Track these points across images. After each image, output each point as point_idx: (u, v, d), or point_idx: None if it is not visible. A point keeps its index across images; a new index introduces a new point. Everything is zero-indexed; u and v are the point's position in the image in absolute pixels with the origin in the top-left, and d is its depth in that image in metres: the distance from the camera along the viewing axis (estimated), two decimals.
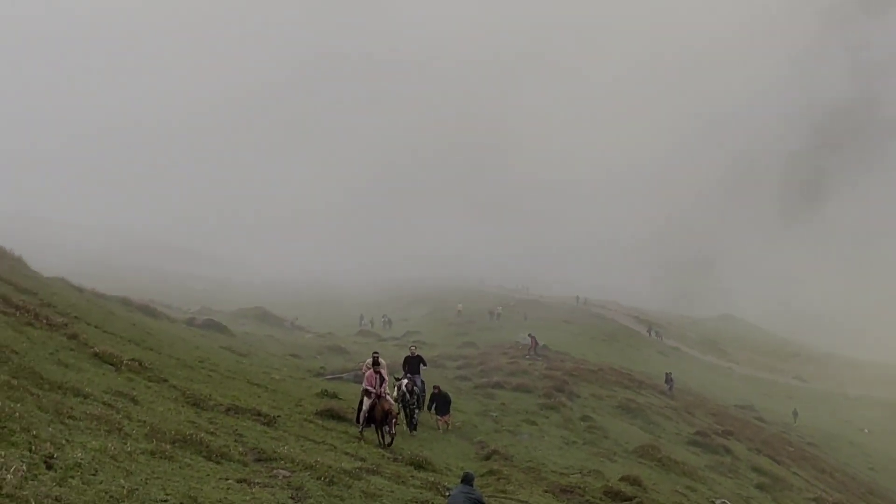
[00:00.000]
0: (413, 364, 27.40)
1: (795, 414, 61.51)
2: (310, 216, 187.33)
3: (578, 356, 57.39)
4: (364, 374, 23.00)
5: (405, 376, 26.51)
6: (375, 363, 21.57)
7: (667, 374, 52.16)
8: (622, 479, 22.06)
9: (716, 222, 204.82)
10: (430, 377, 34.49)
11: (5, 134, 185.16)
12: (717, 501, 23.54)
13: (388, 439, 20.84)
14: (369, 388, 21.10)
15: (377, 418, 20.56)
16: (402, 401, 25.05)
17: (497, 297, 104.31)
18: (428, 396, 27.34)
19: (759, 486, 30.15)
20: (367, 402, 21.17)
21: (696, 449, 34.50)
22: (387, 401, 20.70)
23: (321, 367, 39.17)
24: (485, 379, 41.26)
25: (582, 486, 19.69)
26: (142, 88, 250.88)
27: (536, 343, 54.50)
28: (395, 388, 25.26)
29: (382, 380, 21.15)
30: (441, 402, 27.03)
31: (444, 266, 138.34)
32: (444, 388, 28.43)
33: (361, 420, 21.41)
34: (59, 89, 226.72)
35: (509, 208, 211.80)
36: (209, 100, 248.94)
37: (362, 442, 20.49)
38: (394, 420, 20.78)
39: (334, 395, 27.61)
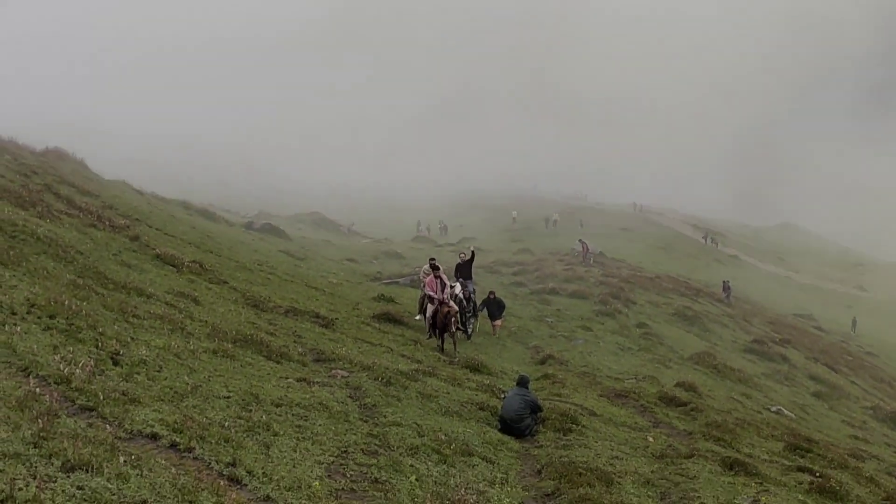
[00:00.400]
0: (465, 269, 26.83)
1: (855, 323, 60.91)
2: (370, 126, 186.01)
3: (635, 263, 57.12)
4: (424, 280, 23.07)
5: (458, 282, 26.44)
6: (434, 269, 21.48)
7: (724, 282, 51.78)
8: (677, 384, 22.10)
9: (787, 131, 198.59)
10: (485, 283, 34.62)
11: (77, 44, 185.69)
12: (773, 408, 23.51)
13: (448, 345, 20.87)
14: (431, 293, 21.03)
15: (439, 324, 20.42)
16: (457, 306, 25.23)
17: (553, 203, 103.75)
18: (481, 302, 27.05)
19: (816, 395, 30.05)
20: (430, 309, 21.19)
21: (753, 357, 34.38)
22: (448, 305, 20.45)
23: (377, 272, 39.52)
24: (540, 285, 41.32)
25: (636, 391, 19.76)
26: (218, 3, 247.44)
27: (587, 249, 54.24)
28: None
29: (444, 285, 21.05)
30: (495, 307, 26.71)
31: (503, 174, 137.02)
32: (498, 293, 28.45)
33: (428, 327, 21.56)
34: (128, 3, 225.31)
35: (574, 117, 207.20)
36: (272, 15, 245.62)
37: (419, 345, 20.71)
38: (456, 325, 20.77)
39: (391, 300, 27.90)
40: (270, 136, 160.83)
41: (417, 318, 24.08)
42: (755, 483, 11.76)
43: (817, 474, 12.89)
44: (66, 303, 11.79)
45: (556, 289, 39.89)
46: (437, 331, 20.94)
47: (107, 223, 22.56)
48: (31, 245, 15.54)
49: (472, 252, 27.14)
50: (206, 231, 35.18)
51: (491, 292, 27.38)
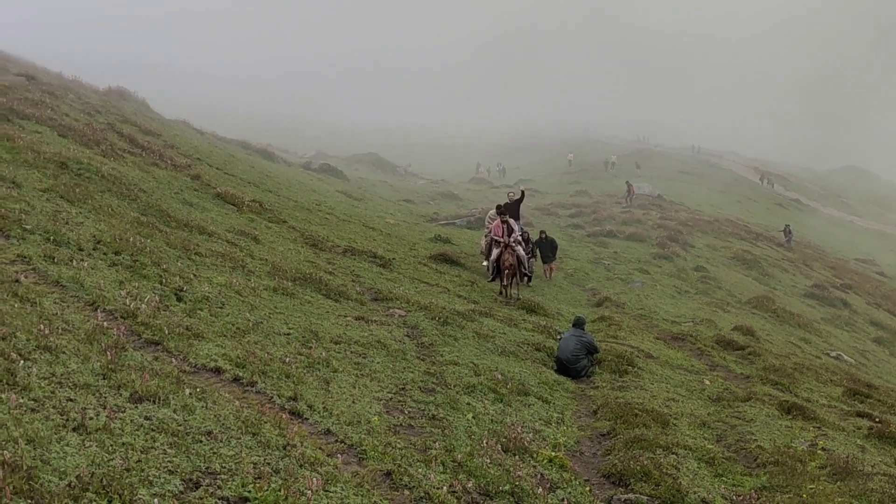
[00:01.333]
0: (513, 210, 25.37)
1: None
2: (430, 70, 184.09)
3: (693, 207, 56.46)
4: (489, 225, 23.33)
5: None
6: (501, 213, 21.22)
7: (786, 226, 51.02)
8: (735, 328, 21.95)
9: (861, 72, 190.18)
10: (541, 225, 34.51)
11: None
12: (833, 354, 23.27)
13: (513, 289, 20.76)
14: (497, 237, 20.83)
15: (503, 268, 20.31)
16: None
17: (611, 146, 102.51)
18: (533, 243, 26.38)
19: (877, 340, 29.63)
20: (495, 252, 21.10)
21: (813, 301, 33.95)
22: (513, 250, 20.28)
23: (434, 213, 39.60)
24: (597, 227, 41.09)
25: (693, 334, 19.68)
26: None
27: (632, 192, 53.68)
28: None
29: (511, 230, 20.73)
30: (547, 248, 26.33)
31: (560, 116, 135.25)
32: (552, 234, 28.26)
33: (492, 269, 21.48)
34: None
35: (633, 55, 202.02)
36: None
37: (475, 286, 20.81)
38: (521, 270, 20.84)
39: (447, 241, 27.99)
40: (329, 77, 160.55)
41: (484, 263, 23.75)
42: (813, 427, 11.70)
43: (877, 420, 12.77)
44: (131, 240, 12.04)
45: (614, 231, 39.64)
46: (501, 274, 20.84)
47: (168, 162, 22.88)
48: (95, 183, 15.83)
49: (522, 192, 25.99)
50: (265, 171, 35.48)
51: (542, 232, 26.97)
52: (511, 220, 20.86)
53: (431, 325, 13.80)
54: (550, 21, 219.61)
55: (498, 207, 21.68)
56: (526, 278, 22.85)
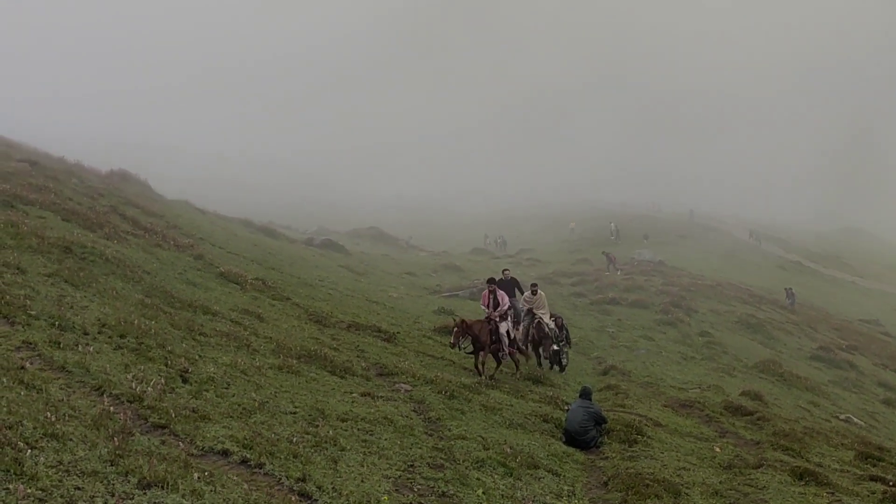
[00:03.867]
0: (507, 289, 24.03)
1: None
2: (436, 142, 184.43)
3: (696, 271, 56.50)
4: (523, 306, 23.02)
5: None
6: (490, 282, 19.96)
7: (787, 289, 51.01)
8: (742, 393, 21.80)
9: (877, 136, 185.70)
10: (546, 296, 34.50)
11: (137, 67, 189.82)
12: (842, 416, 23.07)
13: (491, 363, 19.07)
14: (483, 306, 19.61)
15: (482, 339, 18.30)
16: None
17: (613, 214, 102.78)
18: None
19: (886, 402, 29.37)
20: (521, 328, 21.36)
21: (819, 364, 33.74)
22: (492, 321, 18.68)
23: (437, 285, 39.62)
24: (600, 295, 41.04)
25: (701, 400, 19.54)
26: (270, 24, 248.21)
27: (612, 261, 53.79)
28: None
29: (497, 303, 19.21)
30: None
31: (567, 184, 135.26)
32: (557, 304, 28.13)
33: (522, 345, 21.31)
34: (190, 22, 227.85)
35: (648, 121, 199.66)
36: (331, 33, 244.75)
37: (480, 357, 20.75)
38: (500, 351, 18.82)
39: (451, 312, 27.95)
40: (329, 152, 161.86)
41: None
42: (826, 493, 11.57)
43: (891, 483, 12.62)
44: (136, 322, 12.07)
45: (617, 298, 39.61)
46: (529, 347, 21.01)
47: (171, 242, 23.03)
48: (99, 266, 15.91)
49: (513, 278, 25.48)
50: (267, 248, 35.63)
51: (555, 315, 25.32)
52: (501, 293, 19.48)
53: (438, 399, 13.74)
54: (564, 89, 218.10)
55: (489, 281, 20.27)
56: (558, 366, 22.06)
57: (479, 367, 18.26)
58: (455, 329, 17.60)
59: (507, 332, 18.95)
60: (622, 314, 36.07)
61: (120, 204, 27.46)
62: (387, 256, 54.45)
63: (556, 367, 22.27)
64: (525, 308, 22.81)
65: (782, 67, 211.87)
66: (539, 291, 22.78)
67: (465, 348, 18.13)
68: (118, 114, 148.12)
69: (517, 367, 19.61)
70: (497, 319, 18.77)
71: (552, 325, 22.22)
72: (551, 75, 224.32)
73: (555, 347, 22.14)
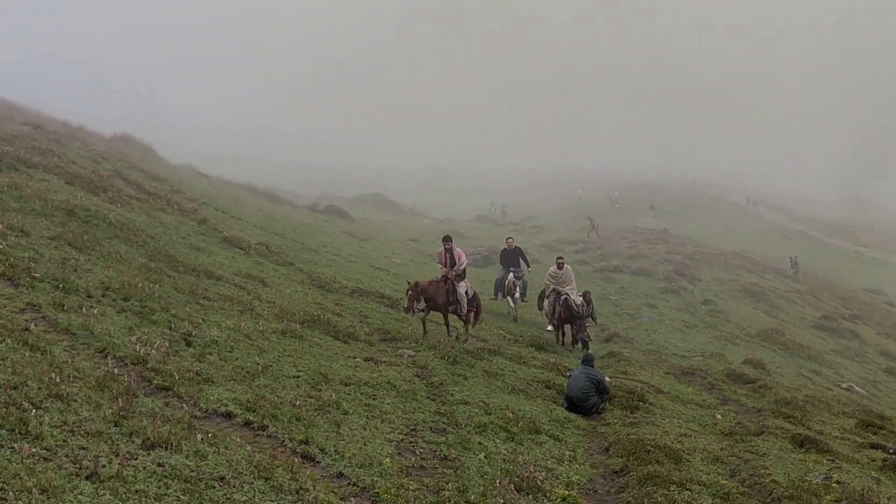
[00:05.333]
0: (512, 258, 24.83)
1: None
2: (453, 115, 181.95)
3: (700, 240, 56.45)
4: (547, 281, 22.13)
5: (506, 269, 24.77)
6: (446, 240, 18.44)
7: (791, 257, 51.03)
8: (745, 361, 21.85)
9: None
10: (548, 262, 34.48)
11: (143, 41, 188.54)
12: (844, 385, 23.12)
13: (458, 323, 18.40)
14: (440, 264, 18.53)
15: (440, 300, 17.43)
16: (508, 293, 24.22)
17: (618, 182, 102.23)
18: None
19: (888, 371, 29.41)
20: (547, 304, 21.14)
21: (822, 333, 33.77)
22: (451, 281, 17.61)
23: None
24: (604, 263, 41.07)
25: (703, 368, 19.60)
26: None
27: (594, 226, 54.31)
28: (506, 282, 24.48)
29: (454, 261, 18.05)
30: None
31: (590, 159, 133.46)
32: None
33: (549, 322, 21.42)
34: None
35: (674, 103, 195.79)
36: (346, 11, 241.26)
37: (484, 324, 20.76)
38: (459, 309, 17.81)
39: None
40: (339, 122, 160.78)
41: (549, 328, 22.17)
42: (827, 460, 11.61)
43: (891, 451, 12.66)
44: (140, 286, 12.10)
45: (620, 266, 39.62)
46: (557, 322, 20.50)
47: (175, 207, 23.01)
48: (103, 229, 15.92)
49: (517, 248, 25.30)
50: (271, 213, 35.61)
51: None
52: (458, 251, 18.27)
53: (441, 365, 13.77)
54: (586, 71, 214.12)
55: (445, 238, 18.65)
56: (581, 342, 20.81)
57: (447, 326, 17.77)
58: (409, 292, 16.70)
59: (466, 291, 17.99)
60: (626, 282, 36.06)
61: (123, 168, 27.43)
62: (390, 223, 54.43)
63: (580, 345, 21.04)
64: (550, 284, 21.70)
65: (809, 61, 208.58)
66: (565, 265, 21.96)
67: (420, 311, 17.28)
68: (127, 85, 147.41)
69: (471, 325, 18.54)
70: (454, 278, 17.79)
71: (580, 300, 21.12)
72: (577, 57, 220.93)
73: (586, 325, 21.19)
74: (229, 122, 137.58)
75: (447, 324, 17.74)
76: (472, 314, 18.43)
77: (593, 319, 22.62)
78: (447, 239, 18.44)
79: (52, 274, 11.12)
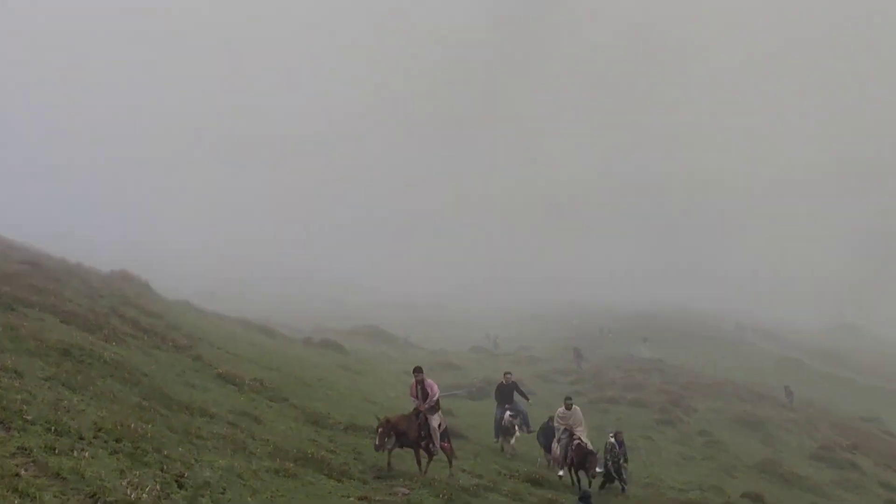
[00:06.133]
0: (507, 394, 24.34)
1: None
2: (447, 239, 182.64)
3: (695, 370, 56.34)
4: (558, 423, 21.07)
5: (501, 407, 24.11)
6: (417, 371, 18.05)
7: (785, 386, 50.82)
8: (743, 495, 21.64)
9: None
10: (542, 393, 34.39)
11: (143, 167, 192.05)
12: None
13: (424, 460, 17.33)
14: (412, 397, 18.14)
15: (410, 436, 16.93)
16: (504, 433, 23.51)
17: (611, 310, 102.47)
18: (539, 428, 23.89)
19: (888, 503, 29.04)
20: (556, 447, 20.24)
21: (820, 464, 33.40)
22: (425, 416, 17.23)
23: None
24: (598, 394, 40.91)
25: (702, 502, 19.38)
26: (262, 104, 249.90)
27: (580, 357, 54.58)
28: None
29: (426, 393, 17.67)
30: (551, 435, 22.35)
31: (588, 285, 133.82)
32: (555, 404, 27.75)
33: (559, 466, 20.32)
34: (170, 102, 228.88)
35: (665, 212, 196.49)
36: (329, 116, 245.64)
37: (478, 459, 20.59)
38: (431, 445, 17.20)
39: (450, 413, 27.79)
40: (331, 249, 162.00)
41: (560, 473, 20.95)
42: None
43: None
44: (132, 426, 12.07)
45: (615, 397, 39.47)
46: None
47: (170, 343, 23.09)
48: (97, 368, 15.95)
49: (514, 382, 24.91)
50: (266, 348, 35.62)
51: (550, 418, 23.02)
52: (430, 382, 17.85)
53: (436, 503, 13.64)
54: (583, 188, 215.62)
55: (416, 370, 18.18)
56: (620, 484, 20.26)
57: (419, 464, 16.99)
58: (379, 429, 16.17)
59: (440, 424, 17.53)
60: (621, 413, 35.87)
61: (120, 305, 27.60)
62: (385, 355, 54.32)
63: (619, 485, 20.40)
64: (560, 426, 20.88)
65: (806, 167, 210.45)
66: (574, 406, 21.15)
67: (391, 449, 16.57)
68: (123, 216, 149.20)
69: (450, 462, 17.99)
70: (426, 411, 17.30)
71: (590, 444, 19.97)
72: (571, 174, 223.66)
73: (613, 464, 20.47)
74: (227, 255, 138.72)
75: (419, 460, 17.12)
76: (448, 449, 17.90)
77: (625, 461, 21.20)
78: (418, 370, 17.98)
79: (44, 416, 11.12)
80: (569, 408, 20.85)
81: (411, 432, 16.72)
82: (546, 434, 22.78)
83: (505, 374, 25.27)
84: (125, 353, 18.97)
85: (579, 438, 20.04)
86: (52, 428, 10.78)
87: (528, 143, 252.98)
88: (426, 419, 17.16)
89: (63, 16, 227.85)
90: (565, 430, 20.61)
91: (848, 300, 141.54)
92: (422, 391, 17.57)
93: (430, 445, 17.19)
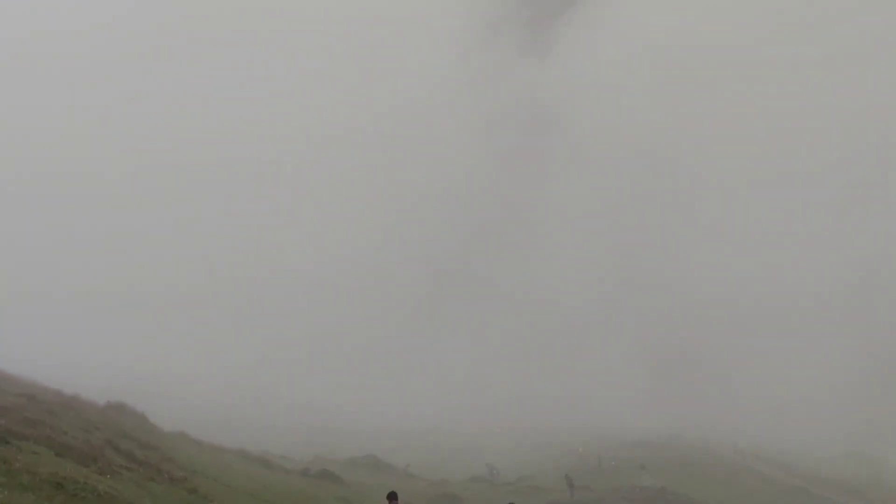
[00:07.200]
0: None
1: None
2: (446, 371, 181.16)
3: (699, 499, 55.38)
4: None
5: None
6: (391, 498, 18.10)
7: None
8: None
9: None
10: None
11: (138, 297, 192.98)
12: None
13: None
14: None
15: None
16: None
17: (615, 440, 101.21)
18: None
19: None
20: None
21: None
22: None
23: None
24: None
25: None
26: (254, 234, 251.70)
27: (573, 486, 53.83)
28: None
29: None
30: None
31: (586, 415, 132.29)
32: None
33: None
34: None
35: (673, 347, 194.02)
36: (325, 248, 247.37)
37: None
38: None
39: None
40: (329, 375, 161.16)
41: None
42: None
43: None
44: None
45: None
46: None
47: (166, 476, 22.83)
48: (91, 502, 15.78)
49: None
50: (262, 480, 35.14)
51: None
52: None
53: None
54: (579, 316, 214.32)
55: (390, 496, 18.30)
56: None
57: None
58: None
59: None
60: None
61: (115, 437, 27.38)
62: (384, 486, 53.37)
63: None
64: None
65: (808, 283, 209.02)
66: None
67: None
68: (118, 345, 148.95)
69: None
70: None
71: None
72: (566, 302, 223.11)
73: None
74: (223, 385, 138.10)
75: None
76: None
77: None
78: (392, 496, 17.62)
79: None
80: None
81: None
82: None
83: None
84: (119, 485, 18.74)
85: None
86: None
87: (535, 276, 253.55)
88: None
89: None
90: None
91: (861, 426, 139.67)
92: None
93: None
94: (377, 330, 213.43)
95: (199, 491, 22.44)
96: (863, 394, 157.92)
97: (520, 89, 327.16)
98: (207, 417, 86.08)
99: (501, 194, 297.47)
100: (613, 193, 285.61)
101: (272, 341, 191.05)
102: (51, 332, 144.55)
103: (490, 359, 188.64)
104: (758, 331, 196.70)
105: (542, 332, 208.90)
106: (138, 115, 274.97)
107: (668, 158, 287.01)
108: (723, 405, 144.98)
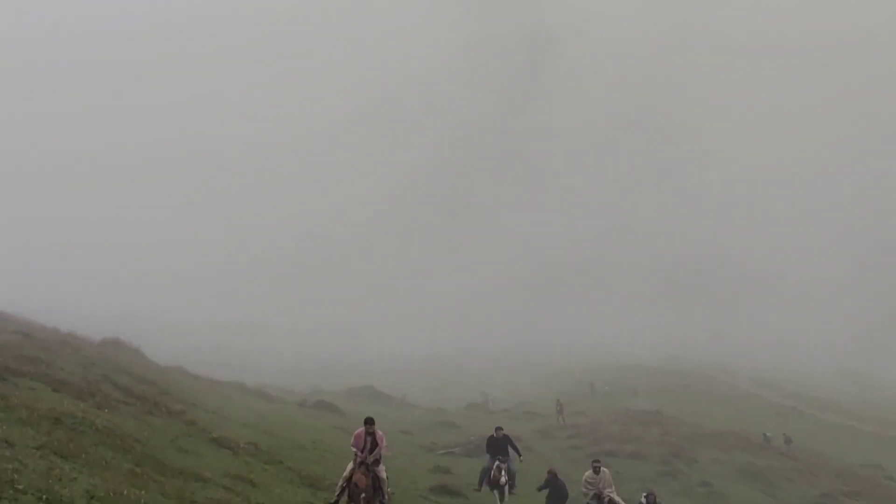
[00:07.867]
0: (501, 446, 23.39)
1: None
2: (447, 302, 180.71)
3: (693, 421, 56.07)
4: (586, 489, 20.55)
5: (494, 458, 23.21)
6: (368, 422, 16.86)
7: (784, 434, 50.68)
8: None
9: None
10: (541, 448, 34.22)
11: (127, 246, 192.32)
12: None
13: None
14: (355, 450, 16.51)
15: (353, 491, 15.51)
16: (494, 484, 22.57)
17: (605, 366, 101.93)
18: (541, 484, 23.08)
19: None
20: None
21: None
22: (368, 469, 15.90)
23: (432, 443, 39.26)
24: (596, 447, 40.59)
25: None
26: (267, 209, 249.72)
27: (563, 408, 54.46)
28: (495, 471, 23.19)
29: (375, 444, 16.49)
30: (556, 493, 21.95)
31: (594, 343, 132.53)
32: (554, 460, 27.67)
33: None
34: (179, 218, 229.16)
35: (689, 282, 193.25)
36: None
37: None
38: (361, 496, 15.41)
39: (447, 471, 27.67)
40: (330, 312, 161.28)
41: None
42: None
43: None
44: (125, 492, 12.01)
45: (614, 450, 39.18)
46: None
47: (163, 409, 22.97)
48: (90, 436, 15.87)
49: (506, 436, 23.84)
50: (260, 411, 35.46)
51: (551, 471, 22.71)
52: (381, 434, 16.71)
53: None
54: (584, 254, 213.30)
55: (367, 420, 17.03)
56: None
57: None
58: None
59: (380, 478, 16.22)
60: (620, 466, 35.55)
61: (112, 372, 27.51)
62: (382, 415, 53.95)
63: None
64: (589, 491, 20.39)
65: (821, 245, 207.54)
66: (602, 468, 20.59)
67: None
68: (108, 292, 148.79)
69: None
70: (368, 461, 16.09)
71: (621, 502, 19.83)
72: (572, 241, 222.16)
73: None
74: (220, 317, 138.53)
75: None
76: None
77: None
78: (369, 421, 16.89)
79: (35, 485, 11.05)
80: (597, 471, 20.28)
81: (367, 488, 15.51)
82: (551, 489, 22.12)
83: (496, 428, 24.63)
84: (117, 419, 18.87)
85: (611, 498, 19.73)
86: (44, 497, 10.72)
87: (535, 207, 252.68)
88: (375, 472, 16.10)
89: None
90: (595, 495, 20.11)
91: (862, 346, 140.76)
92: (372, 442, 16.46)
93: (383, 499, 16.22)
94: (378, 262, 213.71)
95: (198, 423, 22.64)
96: (862, 307, 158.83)
97: (521, 17, 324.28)
98: (205, 351, 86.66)
99: (501, 127, 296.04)
100: (617, 121, 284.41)
101: (267, 270, 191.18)
102: (42, 274, 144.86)
103: (491, 290, 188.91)
104: (764, 256, 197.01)
105: (545, 264, 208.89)
106: (137, 110, 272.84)
107: (672, 87, 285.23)
108: (725, 331, 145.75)
